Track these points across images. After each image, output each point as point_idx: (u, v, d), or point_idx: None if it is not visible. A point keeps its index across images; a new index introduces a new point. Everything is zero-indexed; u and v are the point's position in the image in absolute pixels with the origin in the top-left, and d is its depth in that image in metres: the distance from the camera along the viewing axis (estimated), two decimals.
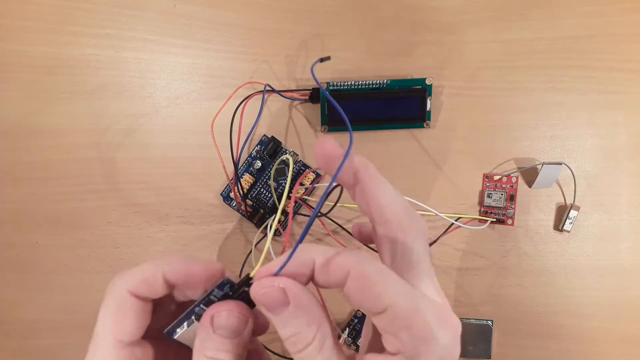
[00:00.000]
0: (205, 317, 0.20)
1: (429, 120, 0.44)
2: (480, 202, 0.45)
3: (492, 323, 0.45)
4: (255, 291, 0.19)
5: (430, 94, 0.44)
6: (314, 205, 0.45)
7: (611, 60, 0.45)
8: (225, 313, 0.20)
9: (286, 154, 0.44)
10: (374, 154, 0.45)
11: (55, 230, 0.45)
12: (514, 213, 0.45)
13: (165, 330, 0.22)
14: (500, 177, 0.45)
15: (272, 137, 0.45)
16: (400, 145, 0.46)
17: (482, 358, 0.45)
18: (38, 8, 0.44)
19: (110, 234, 0.45)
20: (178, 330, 0.21)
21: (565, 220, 0.44)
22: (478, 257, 0.46)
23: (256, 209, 0.45)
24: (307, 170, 0.45)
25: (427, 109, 0.44)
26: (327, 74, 0.45)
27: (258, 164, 0.45)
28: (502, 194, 0.45)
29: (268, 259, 0.45)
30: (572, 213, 0.44)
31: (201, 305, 0.21)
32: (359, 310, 0.45)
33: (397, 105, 0.44)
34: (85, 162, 0.45)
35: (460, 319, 0.45)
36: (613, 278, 0.45)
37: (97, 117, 0.45)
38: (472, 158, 0.45)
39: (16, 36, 0.45)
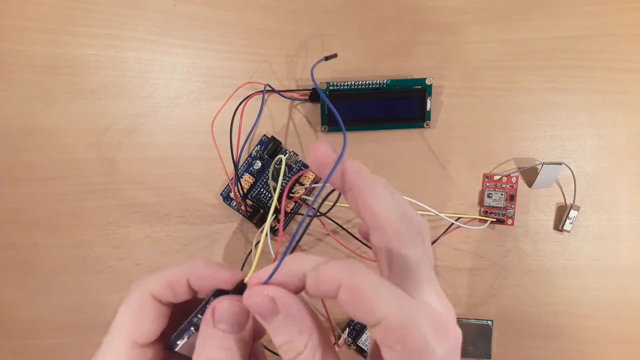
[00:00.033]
0: (207, 312, 0.20)
1: (429, 120, 0.44)
2: (480, 202, 0.45)
3: (492, 323, 0.45)
4: (246, 299, 0.20)
5: (430, 94, 0.44)
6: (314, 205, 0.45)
7: (611, 60, 0.45)
8: (227, 304, 0.20)
9: (286, 153, 0.44)
10: (374, 154, 0.45)
11: (55, 230, 0.45)
12: (514, 213, 0.45)
13: (166, 342, 0.22)
14: (500, 177, 0.45)
15: (272, 137, 0.45)
16: (400, 145, 0.46)
17: (482, 358, 0.45)
18: (38, 8, 0.44)
19: (110, 234, 0.45)
20: (178, 342, 0.21)
21: (565, 220, 0.44)
22: (478, 257, 0.46)
23: (256, 209, 0.45)
24: (306, 170, 0.45)
25: (427, 109, 0.44)
26: (327, 74, 0.45)
27: (258, 164, 0.45)
28: (502, 194, 0.45)
29: (268, 258, 0.45)
30: (572, 213, 0.44)
31: (199, 316, 0.21)
32: None
33: (397, 105, 0.44)
34: (85, 162, 0.45)
35: (460, 319, 0.45)
36: (613, 278, 0.45)
37: (97, 117, 0.45)
38: (472, 158, 0.45)
39: (16, 36, 0.45)
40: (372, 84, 0.43)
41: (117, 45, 0.45)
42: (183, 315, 0.22)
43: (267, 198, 0.45)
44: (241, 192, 0.43)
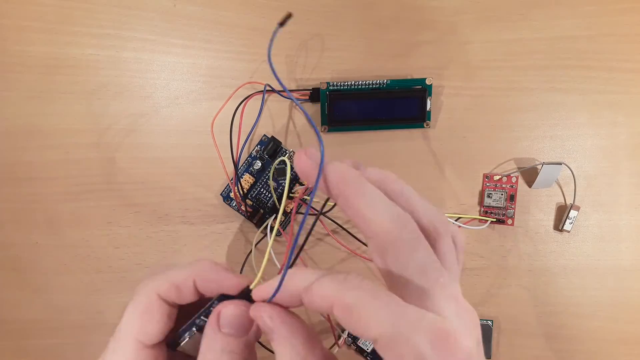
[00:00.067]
0: (212, 315, 0.20)
1: (429, 120, 0.44)
2: (480, 202, 0.45)
3: (492, 323, 0.45)
4: (252, 314, 0.20)
5: (430, 94, 0.44)
6: (314, 205, 0.45)
7: (611, 60, 0.45)
8: (233, 307, 0.20)
9: (286, 153, 0.44)
10: (374, 154, 0.45)
11: (55, 230, 0.45)
12: (514, 213, 0.45)
13: (168, 341, 0.22)
14: (500, 177, 0.45)
15: (272, 137, 0.45)
16: (400, 145, 0.46)
17: None
18: (38, 8, 0.44)
19: (110, 234, 0.45)
20: (180, 341, 0.21)
21: (565, 220, 0.44)
22: (478, 257, 0.46)
23: (256, 209, 0.45)
24: None
25: (427, 109, 0.44)
26: (327, 74, 0.45)
27: (258, 164, 0.45)
28: (502, 194, 0.45)
29: (270, 260, 0.45)
30: (572, 213, 0.44)
31: (202, 317, 0.21)
32: None
33: (397, 105, 0.44)
34: (85, 162, 0.45)
35: None
36: (613, 278, 0.45)
37: (97, 117, 0.45)
38: (472, 158, 0.45)
39: (16, 36, 0.45)
40: (372, 84, 0.43)
41: (117, 45, 0.45)
42: (189, 317, 0.22)
43: (267, 198, 0.45)
44: (241, 192, 0.43)
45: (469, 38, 0.45)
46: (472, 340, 0.18)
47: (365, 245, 0.45)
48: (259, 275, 0.21)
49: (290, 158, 0.44)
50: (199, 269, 0.21)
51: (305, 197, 0.44)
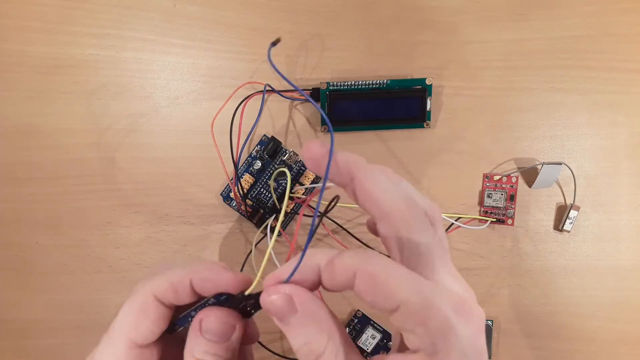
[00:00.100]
0: (195, 320, 0.21)
1: (429, 120, 0.44)
2: (480, 202, 0.45)
3: (492, 323, 0.45)
4: (263, 299, 0.19)
5: (430, 94, 0.44)
6: (314, 205, 0.45)
7: (611, 60, 0.45)
8: (213, 318, 0.21)
9: (286, 154, 0.44)
10: (374, 154, 0.45)
11: (55, 230, 0.45)
12: (514, 213, 0.45)
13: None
14: (500, 177, 0.45)
15: (272, 137, 0.45)
16: (400, 145, 0.46)
17: None
18: (38, 8, 0.44)
19: (110, 234, 0.45)
20: (176, 328, 0.22)
21: (565, 220, 0.44)
22: (478, 257, 0.46)
23: (256, 209, 0.45)
24: (307, 170, 0.45)
25: (427, 109, 0.44)
26: (327, 74, 0.45)
27: (258, 164, 0.45)
28: (502, 194, 0.45)
29: (270, 260, 0.45)
30: (572, 213, 0.44)
31: (197, 310, 0.21)
32: (359, 310, 0.45)
33: (397, 105, 0.44)
34: (85, 162, 0.45)
35: None
36: (613, 278, 0.45)
37: (97, 117, 0.45)
38: (472, 158, 0.45)
39: (16, 36, 0.45)
40: (372, 84, 0.43)
41: (117, 45, 0.45)
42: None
43: (267, 198, 0.45)
44: (241, 192, 0.43)
45: (469, 38, 0.45)
46: (481, 310, 0.19)
47: (365, 245, 0.45)
48: (259, 275, 0.21)
49: (290, 158, 0.44)
50: (195, 269, 0.21)
51: (314, 199, 0.44)
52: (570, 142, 0.45)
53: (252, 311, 0.22)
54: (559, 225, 0.45)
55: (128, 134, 0.45)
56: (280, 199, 0.43)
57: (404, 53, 0.45)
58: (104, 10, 0.45)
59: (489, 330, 0.45)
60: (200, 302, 0.21)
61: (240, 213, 0.45)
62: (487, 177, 0.45)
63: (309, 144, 0.19)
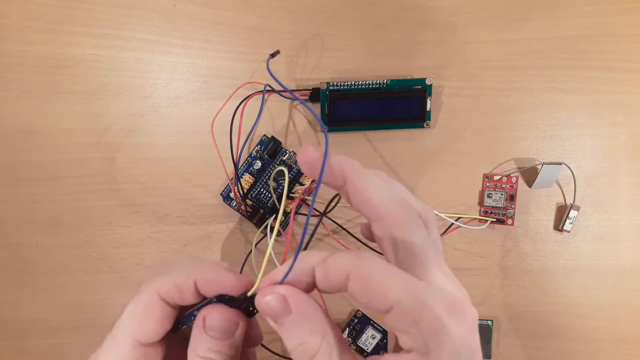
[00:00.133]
0: (199, 317, 0.21)
1: (429, 120, 0.44)
2: (480, 202, 0.45)
3: (492, 323, 0.45)
4: (258, 300, 0.20)
5: (430, 94, 0.44)
6: (316, 206, 0.45)
7: (611, 60, 0.45)
8: (217, 315, 0.21)
9: (286, 154, 0.44)
10: (374, 154, 0.45)
11: (55, 230, 0.45)
12: (514, 213, 0.45)
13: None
14: (500, 177, 0.45)
15: (272, 137, 0.45)
16: (400, 145, 0.46)
17: (482, 358, 0.45)
18: (38, 8, 0.44)
19: (110, 234, 0.45)
20: (180, 326, 0.22)
21: (565, 220, 0.44)
22: (478, 257, 0.46)
23: (256, 209, 0.45)
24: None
25: (427, 109, 0.44)
26: (327, 74, 0.45)
27: (258, 164, 0.45)
28: (502, 194, 0.45)
29: (270, 260, 0.45)
30: (572, 213, 0.44)
31: (201, 310, 0.22)
32: (358, 310, 0.45)
33: (397, 105, 0.44)
34: (85, 162, 0.45)
35: None
36: (613, 278, 0.45)
37: (97, 117, 0.45)
38: (472, 158, 0.45)
39: (16, 36, 0.45)
40: (372, 84, 0.43)
41: (117, 45, 0.45)
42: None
43: (267, 198, 0.45)
44: (241, 192, 0.43)
45: (469, 38, 0.45)
46: (474, 309, 0.19)
47: (366, 245, 0.45)
48: (260, 275, 0.21)
49: (290, 158, 0.44)
50: (199, 270, 0.21)
51: (307, 197, 0.44)
52: (570, 142, 0.45)
53: (255, 311, 0.22)
54: (559, 225, 0.45)
55: (128, 134, 0.45)
56: (280, 199, 0.43)
57: (404, 53, 0.45)
58: (104, 10, 0.45)
59: (489, 330, 0.45)
60: (203, 302, 0.22)
61: (240, 213, 0.45)
62: (487, 177, 0.45)
63: (304, 148, 0.20)
